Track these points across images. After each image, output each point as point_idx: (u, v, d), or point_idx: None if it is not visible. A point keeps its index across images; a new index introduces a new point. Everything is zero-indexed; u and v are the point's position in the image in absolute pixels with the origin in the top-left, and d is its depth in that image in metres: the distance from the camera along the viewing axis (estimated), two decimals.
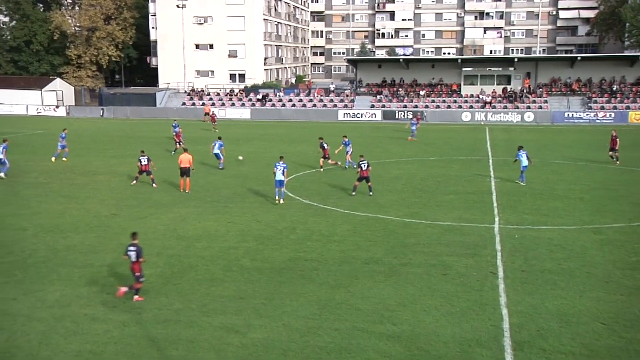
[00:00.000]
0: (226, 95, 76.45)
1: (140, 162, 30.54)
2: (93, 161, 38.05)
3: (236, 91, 77.43)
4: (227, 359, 13.06)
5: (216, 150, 35.75)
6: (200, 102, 74.66)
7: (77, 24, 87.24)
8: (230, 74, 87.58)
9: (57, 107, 76.34)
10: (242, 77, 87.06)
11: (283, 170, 26.52)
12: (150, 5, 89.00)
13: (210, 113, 61.47)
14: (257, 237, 21.84)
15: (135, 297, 16.14)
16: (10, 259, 19.23)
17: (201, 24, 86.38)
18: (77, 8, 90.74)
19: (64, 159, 38.12)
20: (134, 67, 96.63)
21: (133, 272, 16.23)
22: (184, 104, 74.64)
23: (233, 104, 73.74)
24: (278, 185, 26.75)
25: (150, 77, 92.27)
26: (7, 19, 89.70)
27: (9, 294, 16.32)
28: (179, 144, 41.10)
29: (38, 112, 75.36)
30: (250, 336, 14.03)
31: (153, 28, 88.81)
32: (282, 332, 14.27)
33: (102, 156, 39.70)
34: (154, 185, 30.53)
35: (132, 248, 16.41)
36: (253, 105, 73.22)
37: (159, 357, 13.08)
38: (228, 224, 23.62)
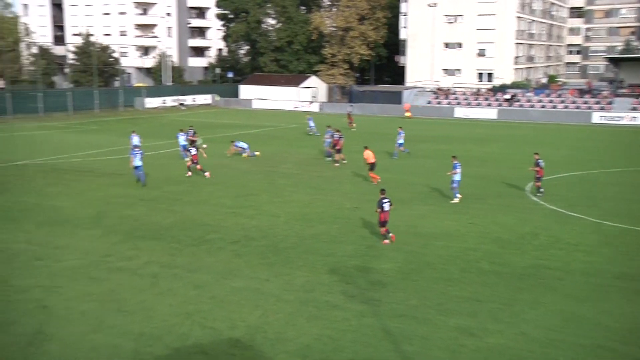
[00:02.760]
0: (472, 94, 75.38)
1: (190, 152, 32.91)
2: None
3: (482, 90, 75.97)
4: None
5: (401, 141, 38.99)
6: (446, 101, 74.50)
7: (333, 25, 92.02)
8: (478, 73, 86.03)
9: (311, 103, 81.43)
10: (489, 76, 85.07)
11: (459, 169, 27.04)
12: (402, 5, 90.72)
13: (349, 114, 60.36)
14: (496, 240, 21.25)
15: (386, 241, 20.47)
16: (265, 243, 20.92)
17: (451, 22, 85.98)
18: (334, 9, 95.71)
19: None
20: (383, 65, 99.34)
21: (385, 220, 20.29)
22: (429, 102, 75.07)
23: (479, 104, 72.48)
24: (457, 185, 27.01)
25: (398, 75, 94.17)
26: (274, 22, 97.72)
27: (263, 275, 17.76)
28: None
29: (294, 108, 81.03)
30: (486, 340, 13.70)
31: (403, 27, 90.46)
32: (520, 340, 13.71)
33: (345, 151, 41.42)
34: (205, 174, 32.21)
35: (386, 200, 20.39)
36: (500, 105, 71.28)
37: (393, 350, 13.32)
38: (468, 224, 23.28)
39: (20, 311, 14.90)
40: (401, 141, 38.95)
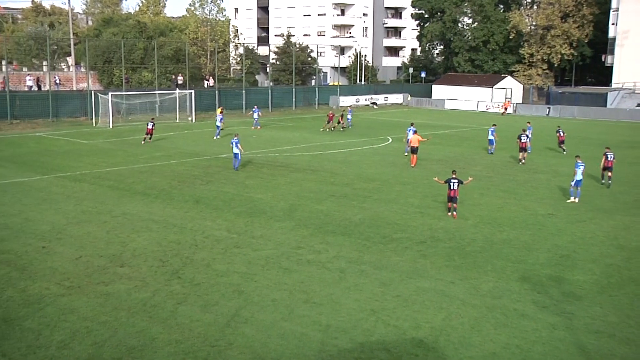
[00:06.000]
0: None
1: (147, 125, 40.89)
2: (535, 159, 38.20)
3: None
4: None
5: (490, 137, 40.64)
6: None
7: (533, 23, 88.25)
8: None
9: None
10: None
11: (582, 170, 26.61)
12: (613, 0, 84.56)
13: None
14: None
15: (454, 213, 23.91)
16: (451, 245, 20.61)
17: None
18: (535, 7, 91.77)
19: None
20: (587, 65, 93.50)
21: (455, 197, 23.86)
22: (638, 105, 69.35)
23: None
24: (575, 185, 26.75)
25: (603, 76, 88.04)
26: (470, 21, 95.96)
27: (448, 277, 17.51)
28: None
29: (487, 109, 78.90)
30: None
31: (612, 24, 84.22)
32: None
33: (543, 155, 39.55)
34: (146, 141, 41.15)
35: (454, 180, 23.82)
36: None
37: None
38: None
39: (220, 293, 16.02)
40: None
